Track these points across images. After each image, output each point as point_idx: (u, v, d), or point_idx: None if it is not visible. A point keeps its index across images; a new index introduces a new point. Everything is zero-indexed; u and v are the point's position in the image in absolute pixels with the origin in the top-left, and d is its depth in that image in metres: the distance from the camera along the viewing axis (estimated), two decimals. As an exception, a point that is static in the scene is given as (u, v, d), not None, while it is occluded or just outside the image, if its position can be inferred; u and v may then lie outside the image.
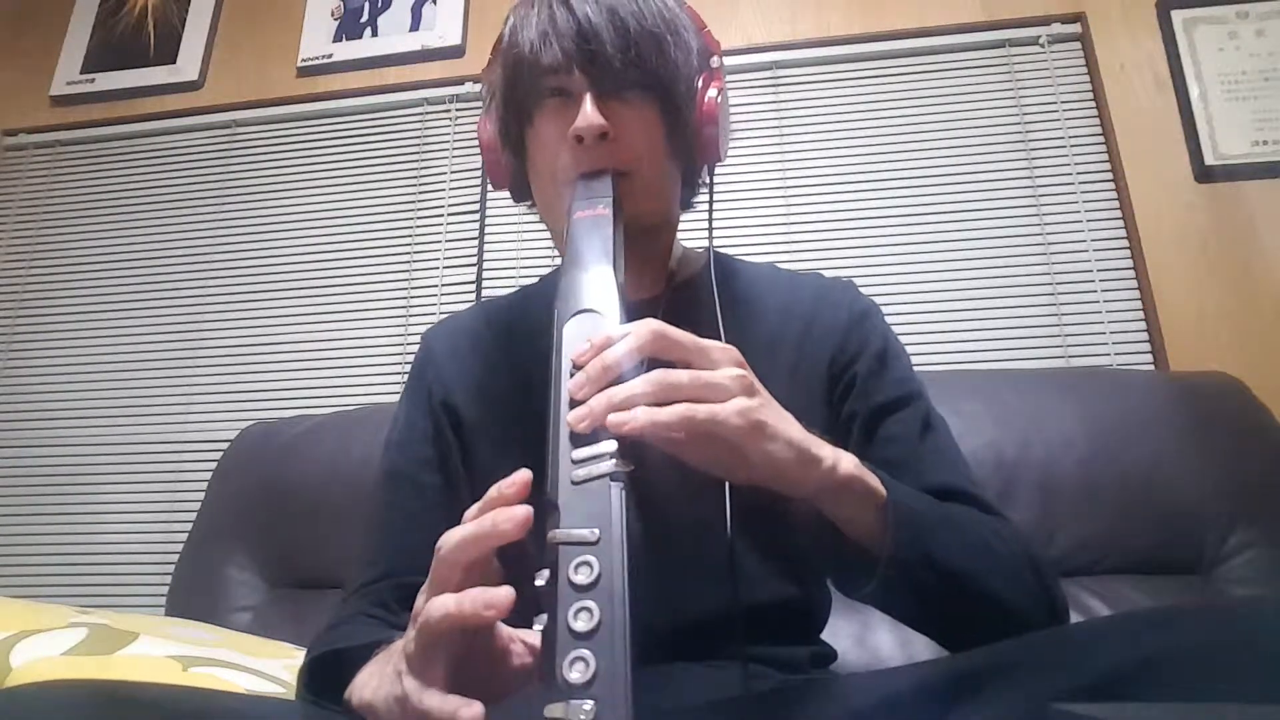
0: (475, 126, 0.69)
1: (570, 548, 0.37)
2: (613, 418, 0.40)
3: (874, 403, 0.64)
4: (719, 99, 0.63)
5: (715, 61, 0.65)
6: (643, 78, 0.60)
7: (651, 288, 0.70)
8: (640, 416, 0.41)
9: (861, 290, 0.73)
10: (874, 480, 0.49)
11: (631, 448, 0.41)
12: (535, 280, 0.80)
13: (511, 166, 0.68)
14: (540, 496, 0.40)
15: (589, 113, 0.58)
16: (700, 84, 0.63)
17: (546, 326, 0.47)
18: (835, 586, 0.57)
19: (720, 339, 0.58)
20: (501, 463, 0.64)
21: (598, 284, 0.48)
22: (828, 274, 0.75)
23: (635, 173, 0.60)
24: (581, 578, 0.36)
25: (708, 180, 0.69)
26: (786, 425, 0.45)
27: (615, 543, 0.37)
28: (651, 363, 0.44)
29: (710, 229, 0.66)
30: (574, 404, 0.42)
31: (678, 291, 0.70)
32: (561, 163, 0.61)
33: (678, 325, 0.63)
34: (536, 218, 0.70)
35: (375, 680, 0.43)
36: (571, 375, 0.43)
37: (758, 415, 0.43)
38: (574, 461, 0.40)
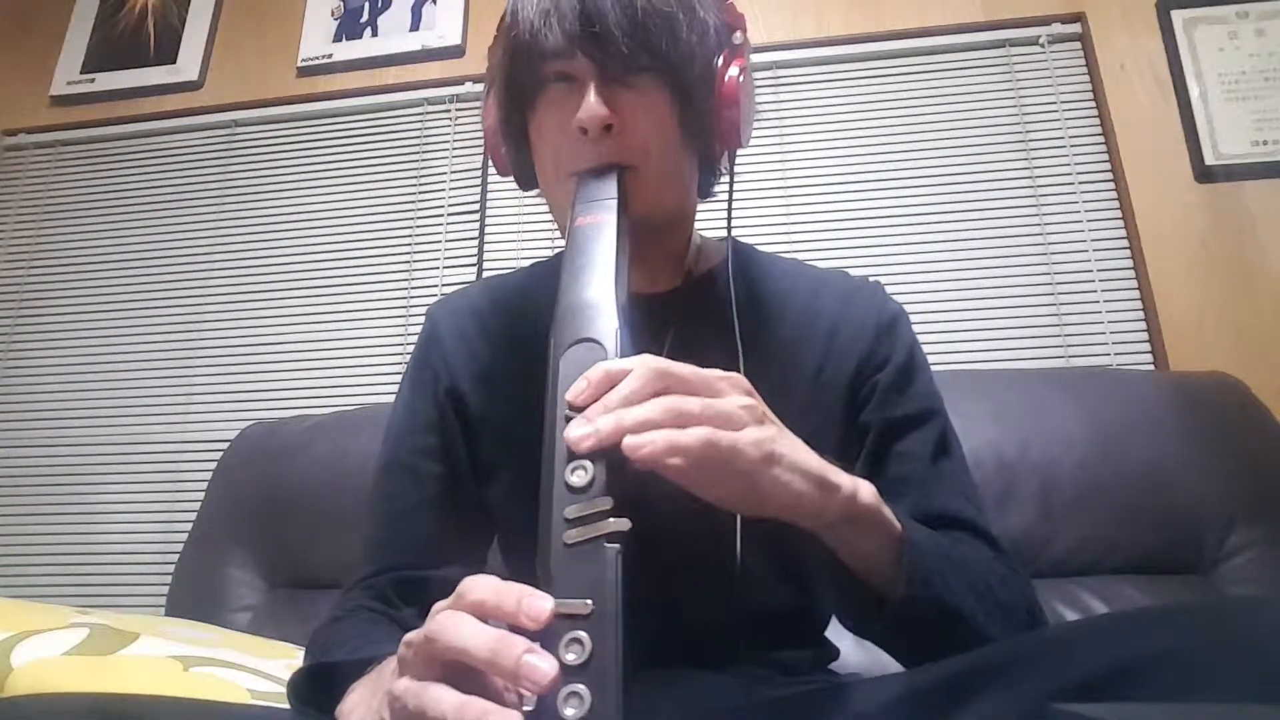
0: (475, 126, 0.66)
1: (561, 620, 0.34)
2: (628, 441, 0.37)
3: (892, 416, 0.62)
4: (741, 79, 0.58)
5: (738, 38, 0.60)
6: (652, 61, 0.55)
7: (667, 281, 0.66)
8: (659, 441, 0.37)
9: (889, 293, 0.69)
10: (890, 513, 0.47)
11: (634, 477, 0.38)
12: (545, 258, 0.75)
13: (516, 154, 0.63)
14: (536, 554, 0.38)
15: (592, 103, 0.54)
16: (720, 63, 0.58)
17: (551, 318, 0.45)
18: (841, 623, 0.55)
19: (736, 338, 0.57)
20: (506, 461, 0.64)
21: (598, 308, 0.45)
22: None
23: (644, 167, 0.56)
24: (572, 657, 0.33)
25: (728, 167, 0.64)
26: (801, 455, 0.43)
27: (609, 617, 0.35)
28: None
29: (729, 221, 0.63)
30: (572, 456, 0.38)
31: (695, 286, 0.67)
32: (565, 155, 0.57)
33: (693, 323, 0.63)
34: (537, 218, 0.68)
35: (361, 710, 0.42)
36: (567, 418, 0.40)
37: (771, 446, 0.41)
38: (567, 520, 0.37)
